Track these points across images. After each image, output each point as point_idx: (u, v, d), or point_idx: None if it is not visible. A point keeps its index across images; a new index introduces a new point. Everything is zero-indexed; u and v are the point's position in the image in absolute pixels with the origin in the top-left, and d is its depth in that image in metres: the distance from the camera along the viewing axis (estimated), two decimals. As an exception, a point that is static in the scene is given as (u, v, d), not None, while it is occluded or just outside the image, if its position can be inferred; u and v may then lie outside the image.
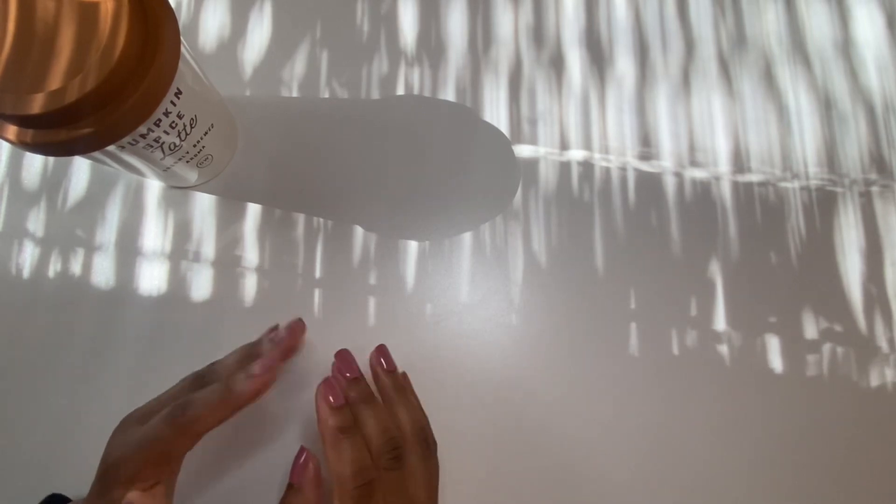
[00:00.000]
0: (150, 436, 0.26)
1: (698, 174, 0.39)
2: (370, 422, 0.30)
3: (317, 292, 0.37)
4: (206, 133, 0.32)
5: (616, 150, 0.39)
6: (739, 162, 0.39)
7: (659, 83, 0.40)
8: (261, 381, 0.28)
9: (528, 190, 0.39)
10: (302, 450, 0.30)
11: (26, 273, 0.37)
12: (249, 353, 0.32)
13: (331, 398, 0.30)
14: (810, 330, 0.37)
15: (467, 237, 0.38)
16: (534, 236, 0.38)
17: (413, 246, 0.38)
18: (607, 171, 0.39)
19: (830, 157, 0.40)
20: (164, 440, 0.26)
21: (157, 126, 0.27)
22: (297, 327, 0.34)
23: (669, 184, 0.39)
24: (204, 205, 0.38)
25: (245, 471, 0.34)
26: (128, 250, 0.37)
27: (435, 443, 0.32)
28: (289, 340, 0.33)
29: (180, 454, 0.28)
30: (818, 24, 0.42)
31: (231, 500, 0.34)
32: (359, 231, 0.38)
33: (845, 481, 0.35)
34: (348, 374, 0.32)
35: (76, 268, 0.37)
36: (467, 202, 0.38)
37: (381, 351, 0.34)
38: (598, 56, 0.41)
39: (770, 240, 0.38)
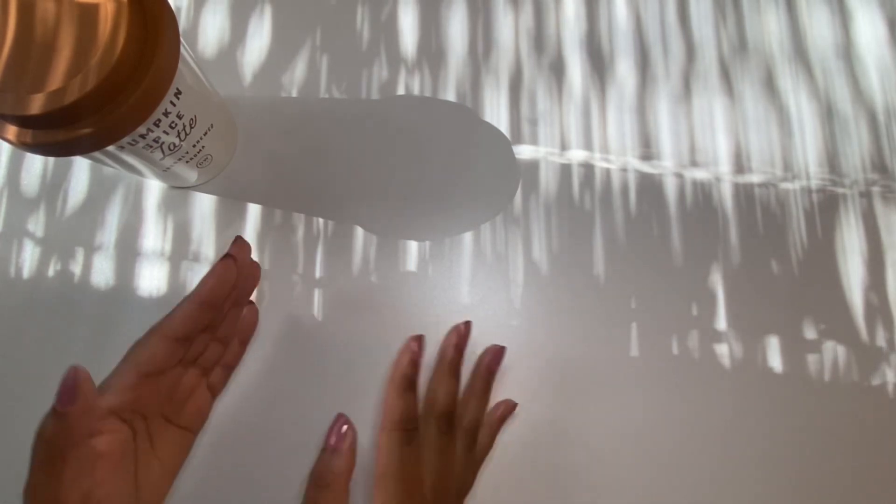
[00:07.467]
0: (135, 344, 0.27)
1: (699, 176, 0.39)
2: (442, 389, 0.33)
3: (317, 293, 0.37)
4: (205, 133, 0.32)
5: (617, 152, 0.39)
6: (741, 166, 0.39)
7: (660, 88, 0.40)
8: (218, 268, 0.28)
9: (528, 192, 0.39)
10: (340, 416, 0.32)
11: (26, 273, 0.37)
12: None
13: (415, 349, 0.34)
14: (811, 331, 0.37)
15: (468, 238, 0.38)
16: (534, 238, 0.38)
17: (413, 247, 0.38)
18: (608, 172, 0.39)
19: (832, 161, 0.40)
20: (145, 345, 0.27)
21: (157, 126, 0.27)
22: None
23: (670, 186, 0.39)
24: (204, 205, 0.38)
25: (246, 468, 0.34)
26: (128, 251, 0.37)
27: (484, 449, 0.34)
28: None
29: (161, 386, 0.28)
30: (819, 29, 0.42)
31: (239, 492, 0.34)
32: (359, 232, 0.38)
33: (846, 482, 0.35)
34: (456, 345, 0.34)
35: (76, 268, 0.37)
36: (468, 202, 0.38)
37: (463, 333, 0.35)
38: (598, 61, 0.41)
39: (771, 243, 0.38)
